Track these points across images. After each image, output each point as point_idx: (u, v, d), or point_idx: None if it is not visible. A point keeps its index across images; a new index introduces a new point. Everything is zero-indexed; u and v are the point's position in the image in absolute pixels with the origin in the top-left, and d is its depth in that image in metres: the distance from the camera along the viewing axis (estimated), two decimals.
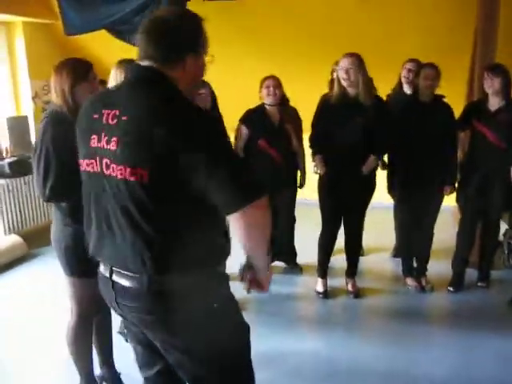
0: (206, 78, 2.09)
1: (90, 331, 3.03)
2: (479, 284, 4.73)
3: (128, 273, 1.77)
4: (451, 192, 4.55)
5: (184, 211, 1.70)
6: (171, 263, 1.72)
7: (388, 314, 4.33)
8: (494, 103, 4.37)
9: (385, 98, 4.85)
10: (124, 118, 1.67)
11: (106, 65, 6.30)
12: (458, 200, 4.69)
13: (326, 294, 4.55)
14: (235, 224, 1.68)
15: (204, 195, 1.65)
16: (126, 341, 3.40)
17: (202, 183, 1.62)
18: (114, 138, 1.68)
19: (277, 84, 4.59)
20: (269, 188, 1.76)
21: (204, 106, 3.98)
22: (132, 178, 1.65)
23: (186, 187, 1.64)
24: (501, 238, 4.97)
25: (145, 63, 1.76)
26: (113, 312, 2.04)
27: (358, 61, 4.11)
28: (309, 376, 3.42)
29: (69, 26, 6.06)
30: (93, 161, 1.78)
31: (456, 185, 4.56)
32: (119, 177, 1.68)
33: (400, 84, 5.13)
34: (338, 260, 4.83)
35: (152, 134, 1.59)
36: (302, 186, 4.91)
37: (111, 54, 4.71)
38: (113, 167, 1.70)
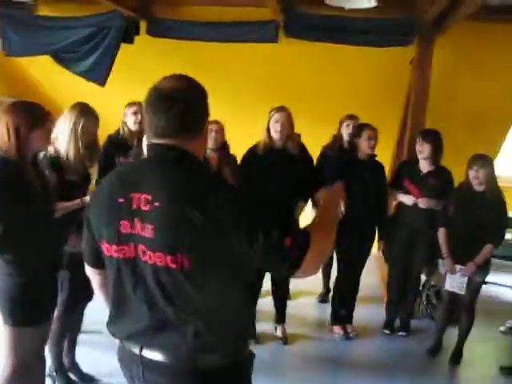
0: None
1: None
2: (400, 333, 5.02)
3: (165, 351, 1.73)
4: (381, 246, 4.88)
5: (223, 290, 1.70)
6: (210, 342, 1.71)
7: (316, 361, 4.47)
8: (425, 166, 4.74)
9: (320, 150, 5.14)
10: (157, 204, 1.65)
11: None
12: (383, 252, 5.01)
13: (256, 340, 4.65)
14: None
15: (242, 273, 1.70)
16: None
17: (247, 259, 1.63)
18: (149, 225, 1.66)
19: (218, 129, 4.66)
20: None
21: None
22: (173, 266, 1.64)
23: (228, 266, 1.66)
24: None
25: (165, 141, 1.73)
26: None
27: (289, 114, 4.37)
28: None
29: (9, 47, 5.96)
30: (125, 247, 1.73)
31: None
32: (159, 264, 1.67)
33: (337, 139, 5.33)
34: (263, 303, 4.78)
35: (189, 216, 1.60)
36: None
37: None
38: (149, 254, 1.68)
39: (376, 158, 4.78)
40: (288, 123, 4.34)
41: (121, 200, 1.72)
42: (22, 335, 2.68)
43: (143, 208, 1.67)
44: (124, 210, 1.71)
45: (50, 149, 3.27)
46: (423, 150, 4.68)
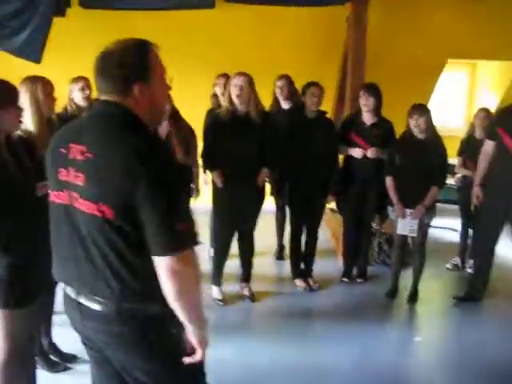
0: None
1: (25, 371, 2.77)
2: (358, 280, 5.28)
3: (97, 297, 1.83)
4: (333, 199, 5.08)
5: (143, 245, 1.73)
6: (137, 293, 1.79)
7: (285, 314, 4.60)
8: (368, 118, 4.95)
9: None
10: (90, 155, 1.74)
11: None
12: (338, 205, 5.23)
13: (225, 301, 4.72)
14: (159, 271, 1.72)
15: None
16: None
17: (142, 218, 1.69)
18: (81, 174, 1.76)
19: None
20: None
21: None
22: (97, 213, 1.72)
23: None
24: None
25: (103, 97, 1.84)
26: None
27: (250, 79, 4.39)
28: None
29: None
30: (61, 193, 1.86)
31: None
32: (86, 211, 1.76)
33: (277, 100, 5.44)
34: (228, 265, 4.92)
35: (112, 170, 1.68)
36: (195, 196, 5.08)
37: None
38: (80, 201, 1.77)
39: (323, 115, 4.94)
40: (248, 88, 4.33)
41: (62, 150, 1.85)
42: (14, 318, 2.61)
43: (78, 158, 1.78)
44: (63, 158, 1.83)
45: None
46: (368, 103, 4.88)
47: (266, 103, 5.43)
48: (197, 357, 1.89)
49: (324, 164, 4.88)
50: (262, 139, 4.44)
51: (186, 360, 1.89)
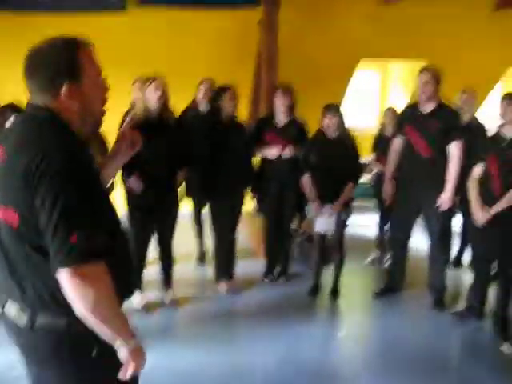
0: None
1: None
2: (280, 280, 5.34)
3: (14, 309, 1.74)
4: (252, 198, 5.13)
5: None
6: (52, 306, 1.69)
7: (209, 318, 4.58)
8: (282, 119, 5.01)
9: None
10: (3, 158, 1.67)
11: None
12: (257, 206, 5.26)
13: (147, 307, 4.62)
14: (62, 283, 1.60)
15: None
16: None
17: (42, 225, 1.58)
18: None
19: None
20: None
21: None
22: (6, 219, 1.64)
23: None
24: None
25: (33, 100, 1.75)
26: None
27: (165, 83, 4.35)
28: None
29: None
30: None
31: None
32: (1, 217, 1.67)
33: (196, 103, 5.44)
34: (148, 273, 4.83)
35: (15, 173, 1.59)
36: None
37: None
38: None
39: (236, 118, 4.95)
40: (164, 92, 4.31)
41: None
42: None
43: (0, 160, 1.69)
44: None
45: None
46: (283, 104, 4.94)
47: (181, 106, 5.44)
48: (128, 373, 1.75)
49: (242, 167, 4.90)
50: (176, 142, 4.41)
51: (121, 375, 1.75)
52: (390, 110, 5.73)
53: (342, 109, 5.07)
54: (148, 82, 4.36)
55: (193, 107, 5.45)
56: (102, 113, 1.90)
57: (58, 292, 1.62)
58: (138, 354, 1.77)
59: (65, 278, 1.57)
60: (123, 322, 1.73)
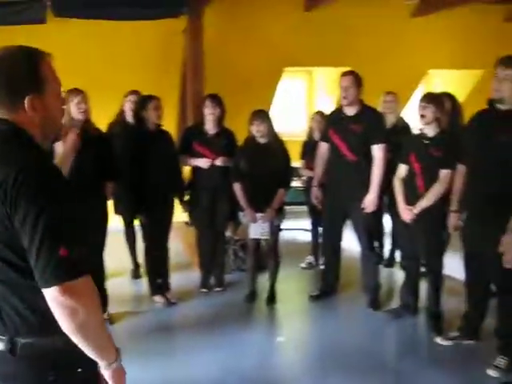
0: None
1: None
2: (216, 289, 5.29)
3: None
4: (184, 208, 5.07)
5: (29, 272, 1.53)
6: (35, 327, 1.60)
7: (146, 332, 4.48)
8: (211, 128, 5.00)
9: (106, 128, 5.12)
10: None
11: None
12: (190, 217, 5.21)
13: None
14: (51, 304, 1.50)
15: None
16: None
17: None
18: None
19: None
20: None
21: None
22: None
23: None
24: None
25: None
26: None
27: (87, 96, 4.28)
28: None
29: None
30: None
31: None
32: None
33: (122, 115, 5.36)
34: None
35: None
36: None
37: None
38: None
39: (162, 128, 4.89)
40: (87, 104, 4.23)
41: None
42: None
43: None
44: None
45: None
46: (212, 113, 4.93)
47: (106, 119, 5.34)
48: None
49: (169, 177, 4.83)
50: (101, 155, 4.31)
51: None
52: (318, 114, 5.80)
53: (271, 115, 5.10)
54: (71, 96, 4.26)
55: (120, 119, 5.36)
56: (60, 125, 1.83)
57: (41, 311, 1.54)
58: (121, 373, 1.70)
59: (54, 295, 1.47)
60: (109, 338, 1.65)
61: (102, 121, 4.84)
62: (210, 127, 5.02)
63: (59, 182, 1.61)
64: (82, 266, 1.52)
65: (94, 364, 1.65)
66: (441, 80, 9.07)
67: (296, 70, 8.43)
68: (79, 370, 1.67)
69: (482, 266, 3.78)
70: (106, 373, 1.66)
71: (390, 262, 5.90)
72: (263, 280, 5.13)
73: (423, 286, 4.54)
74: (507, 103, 3.52)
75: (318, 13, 7.04)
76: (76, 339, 1.53)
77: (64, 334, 1.53)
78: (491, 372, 3.63)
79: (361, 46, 7.33)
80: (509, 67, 3.46)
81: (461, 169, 3.94)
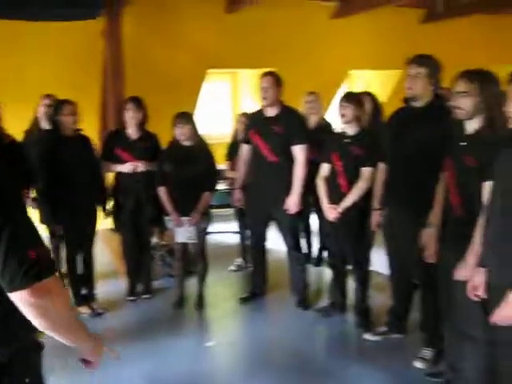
0: None
1: None
2: (144, 296, 5.16)
3: None
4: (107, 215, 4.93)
5: None
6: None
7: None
8: (134, 133, 4.90)
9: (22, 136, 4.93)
10: None
11: None
12: (114, 223, 5.07)
13: None
14: (19, 307, 1.51)
15: None
16: None
17: None
18: None
19: None
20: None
21: None
22: None
23: None
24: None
25: None
26: None
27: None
28: None
29: None
30: None
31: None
32: None
33: (37, 121, 5.18)
34: None
35: None
36: None
37: None
38: None
39: (81, 132, 4.74)
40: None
41: None
42: None
43: None
44: None
45: None
46: (134, 117, 4.83)
47: (20, 126, 5.13)
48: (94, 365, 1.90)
49: (90, 184, 4.68)
50: (13, 162, 4.13)
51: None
52: (243, 115, 5.78)
53: (195, 117, 5.04)
54: None
55: (35, 126, 5.16)
56: None
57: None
58: (99, 349, 1.84)
59: (25, 297, 1.47)
60: (82, 325, 1.72)
61: (16, 130, 4.65)
62: (132, 131, 4.91)
63: (10, 186, 1.60)
64: (50, 265, 1.53)
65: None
66: (363, 80, 9.29)
67: (220, 71, 8.41)
68: (27, 380, 1.70)
69: (404, 261, 3.87)
70: (85, 353, 1.81)
71: (319, 261, 5.94)
72: (192, 285, 5.05)
73: (351, 284, 4.60)
74: (421, 100, 3.62)
75: (239, 15, 7.06)
76: (53, 334, 1.57)
77: (10, 345, 1.60)
78: (418, 364, 3.74)
79: (283, 47, 7.39)
80: (420, 65, 3.56)
81: (381, 167, 4.01)
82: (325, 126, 5.62)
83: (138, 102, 4.88)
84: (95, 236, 4.89)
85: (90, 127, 5.42)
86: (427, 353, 3.77)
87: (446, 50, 5.11)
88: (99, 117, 6.07)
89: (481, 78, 2.96)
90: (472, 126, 3.01)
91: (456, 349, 3.18)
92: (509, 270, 2.44)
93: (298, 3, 7.18)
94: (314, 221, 5.76)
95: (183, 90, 6.82)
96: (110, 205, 5.02)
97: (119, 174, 4.96)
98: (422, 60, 3.58)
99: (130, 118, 4.85)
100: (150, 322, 4.69)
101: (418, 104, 3.64)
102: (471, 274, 2.74)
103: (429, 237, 3.39)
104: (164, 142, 4.94)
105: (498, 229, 2.52)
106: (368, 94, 5.06)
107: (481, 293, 2.67)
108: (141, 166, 4.84)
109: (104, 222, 5.16)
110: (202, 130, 4.93)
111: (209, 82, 8.00)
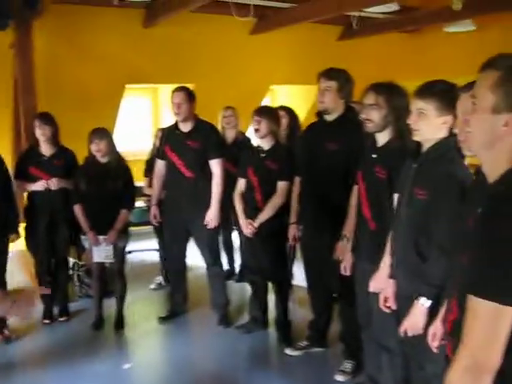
0: None
1: None
2: (61, 319, 4.96)
3: None
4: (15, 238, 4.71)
5: None
6: None
7: None
8: (47, 150, 4.73)
9: None
10: None
11: None
12: (28, 245, 4.87)
13: None
14: None
15: None
16: None
17: None
18: None
19: None
20: None
21: None
22: None
23: None
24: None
25: None
26: None
27: None
28: None
29: None
30: None
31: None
32: None
33: None
34: None
35: None
36: None
37: None
38: None
39: None
40: None
41: None
42: None
43: None
44: None
45: None
46: (43, 134, 4.65)
47: None
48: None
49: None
50: None
51: None
52: (161, 131, 5.69)
53: (114, 133, 4.92)
54: None
55: None
56: None
57: None
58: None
59: None
60: None
61: None
62: (45, 148, 4.74)
63: None
64: None
65: None
66: (285, 95, 9.39)
67: (140, 87, 8.30)
68: None
69: (320, 273, 3.90)
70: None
71: (241, 277, 5.90)
72: (112, 304, 4.89)
73: (272, 299, 4.58)
74: (332, 113, 3.68)
75: (157, 29, 6.99)
76: None
77: None
78: (339, 377, 3.75)
79: (202, 62, 7.38)
80: (329, 79, 3.62)
81: (297, 181, 4.04)
82: (243, 141, 5.62)
83: (45, 117, 4.73)
84: (9, 258, 4.66)
85: (2, 145, 5.21)
86: (348, 365, 3.80)
87: (362, 66, 5.25)
88: (12, 134, 5.83)
89: (388, 91, 3.03)
90: (383, 138, 3.07)
91: (374, 360, 3.22)
92: (412, 280, 2.49)
93: (217, 19, 7.18)
94: (235, 236, 5.74)
95: (101, 105, 6.67)
96: (23, 225, 4.81)
97: (33, 193, 4.78)
98: (332, 73, 3.64)
99: (40, 134, 4.68)
100: (67, 346, 4.50)
101: (330, 117, 3.70)
102: (383, 286, 2.78)
103: (343, 249, 3.43)
104: (82, 159, 4.79)
105: (401, 240, 2.57)
106: (285, 108, 5.10)
107: (391, 304, 2.72)
108: (54, 184, 4.67)
109: (19, 243, 4.92)
110: (121, 146, 4.83)
111: (130, 97, 7.89)
